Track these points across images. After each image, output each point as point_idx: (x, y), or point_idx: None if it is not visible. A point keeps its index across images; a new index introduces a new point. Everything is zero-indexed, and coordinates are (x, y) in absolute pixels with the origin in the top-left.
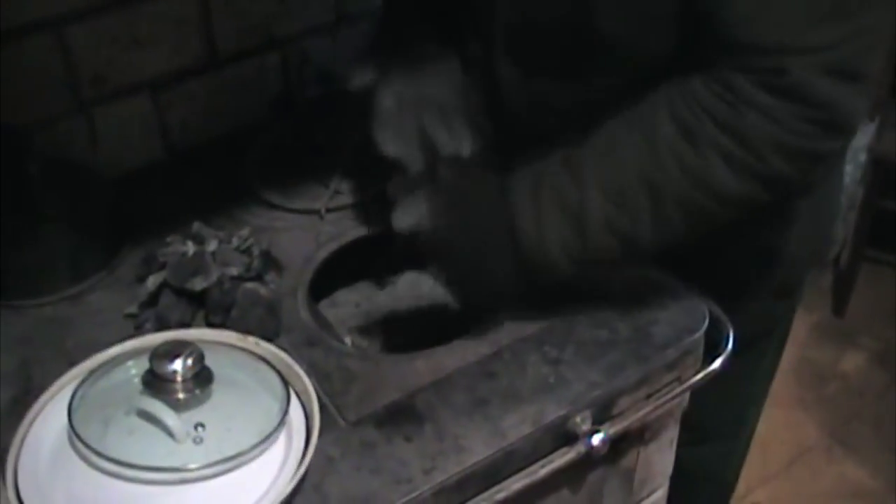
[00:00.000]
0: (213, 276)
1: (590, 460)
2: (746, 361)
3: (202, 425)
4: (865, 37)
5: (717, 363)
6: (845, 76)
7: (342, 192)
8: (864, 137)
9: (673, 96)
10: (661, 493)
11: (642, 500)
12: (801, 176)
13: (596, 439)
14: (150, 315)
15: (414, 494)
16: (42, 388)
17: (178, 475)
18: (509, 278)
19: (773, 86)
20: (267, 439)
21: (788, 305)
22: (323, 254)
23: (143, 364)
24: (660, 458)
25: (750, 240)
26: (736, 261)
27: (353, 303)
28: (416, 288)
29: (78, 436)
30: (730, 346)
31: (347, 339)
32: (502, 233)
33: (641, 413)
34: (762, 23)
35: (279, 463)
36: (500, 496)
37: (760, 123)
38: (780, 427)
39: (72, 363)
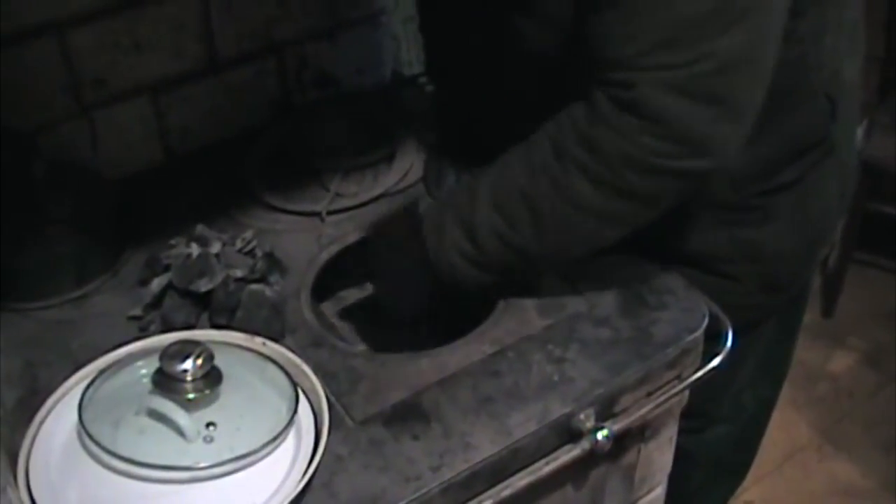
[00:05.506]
0: (219, 278)
1: (593, 458)
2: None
3: (213, 424)
4: (720, 60)
5: (715, 361)
6: (699, 98)
7: (343, 194)
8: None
9: (557, 117)
10: (661, 490)
11: (642, 496)
12: (667, 194)
13: (600, 436)
14: (154, 317)
15: (422, 491)
16: (48, 390)
17: (190, 474)
18: (423, 285)
19: (621, 99)
20: (277, 438)
21: (779, 299)
22: (325, 255)
23: (152, 364)
24: (660, 455)
25: (724, 233)
26: (715, 252)
27: (355, 304)
28: None
29: (89, 435)
30: (728, 344)
31: (352, 340)
32: (416, 246)
33: (643, 411)
34: (618, 37)
35: (289, 461)
36: (507, 493)
37: (609, 136)
38: (772, 427)
39: (77, 365)
